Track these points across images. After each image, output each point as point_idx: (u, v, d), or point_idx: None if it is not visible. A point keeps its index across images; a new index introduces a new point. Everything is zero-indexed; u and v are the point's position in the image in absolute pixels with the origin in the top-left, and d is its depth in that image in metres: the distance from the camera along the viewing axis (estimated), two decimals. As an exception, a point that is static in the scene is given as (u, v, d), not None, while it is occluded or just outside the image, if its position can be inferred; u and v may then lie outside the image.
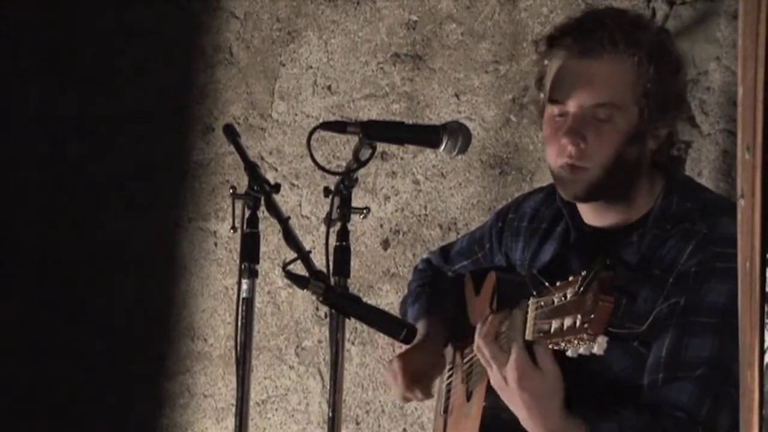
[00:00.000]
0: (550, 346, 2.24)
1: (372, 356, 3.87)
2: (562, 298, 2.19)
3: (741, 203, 1.69)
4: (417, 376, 2.88)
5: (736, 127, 1.70)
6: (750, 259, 1.66)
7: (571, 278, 2.19)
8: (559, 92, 2.55)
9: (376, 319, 2.50)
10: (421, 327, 2.93)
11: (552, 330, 2.20)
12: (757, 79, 1.64)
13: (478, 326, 2.47)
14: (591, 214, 2.64)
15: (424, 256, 3.25)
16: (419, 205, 3.82)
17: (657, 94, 2.52)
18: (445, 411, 2.94)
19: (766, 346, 1.66)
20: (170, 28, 4.34)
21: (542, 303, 2.26)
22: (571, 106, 2.53)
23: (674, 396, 2.39)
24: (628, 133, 2.51)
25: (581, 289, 2.13)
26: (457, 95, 3.77)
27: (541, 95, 2.63)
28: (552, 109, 2.57)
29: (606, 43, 2.51)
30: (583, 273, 2.15)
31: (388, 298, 3.83)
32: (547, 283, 2.27)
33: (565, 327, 2.16)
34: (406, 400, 2.93)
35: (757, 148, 1.65)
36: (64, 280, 4.44)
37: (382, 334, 2.98)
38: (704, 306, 2.41)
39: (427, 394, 2.90)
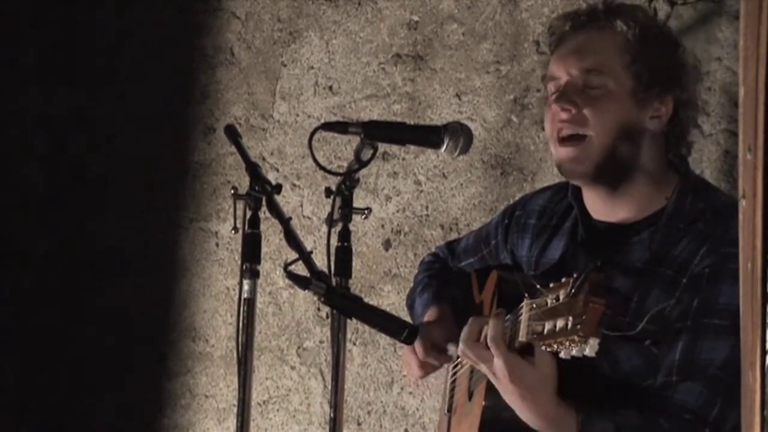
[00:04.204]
0: (544, 348, 2.25)
1: (374, 356, 3.87)
2: (555, 300, 2.20)
3: (742, 203, 1.69)
4: (435, 344, 2.85)
5: (738, 128, 1.70)
6: (752, 259, 1.66)
7: (563, 280, 2.20)
8: (554, 68, 2.59)
9: (378, 319, 2.50)
10: (432, 312, 2.93)
11: (545, 331, 2.21)
12: (758, 79, 1.64)
13: (463, 331, 2.49)
14: (598, 207, 2.64)
15: (431, 250, 3.25)
16: (421, 206, 3.82)
17: (649, 64, 2.54)
18: (449, 410, 2.94)
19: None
20: (171, 28, 4.34)
21: (535, 305, 2.27)
22: (563, 76, 2.56)
23: (682, 398, 2.39)
24: (624, 103, 2.53)
25: (572, 291, 2.14)
26: (458, 95, 3.77)
27: (546, 89, 2.65)
28: (550, 87, 2.60)
29: (596, 17, 2.57)
30: (575, 275, 2.16)
31: (390, 299, 3.83)
32: (539, 286, 2.28)
33: (557, 329, 2.17)
34: (424, 367, 2.87)
35: (758, 149, 1.65)
36: (65, 281, 4.45)
37: (383, 335, 2.98)
38: (717, 308, 2.41)
39: (446, 359, 2.86)
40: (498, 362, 2.38)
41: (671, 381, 2.42)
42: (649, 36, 2.57)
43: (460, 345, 2.48)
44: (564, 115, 2.54)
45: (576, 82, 2.54)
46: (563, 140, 2.55)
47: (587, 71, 2.53)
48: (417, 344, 2.83)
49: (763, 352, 1.65)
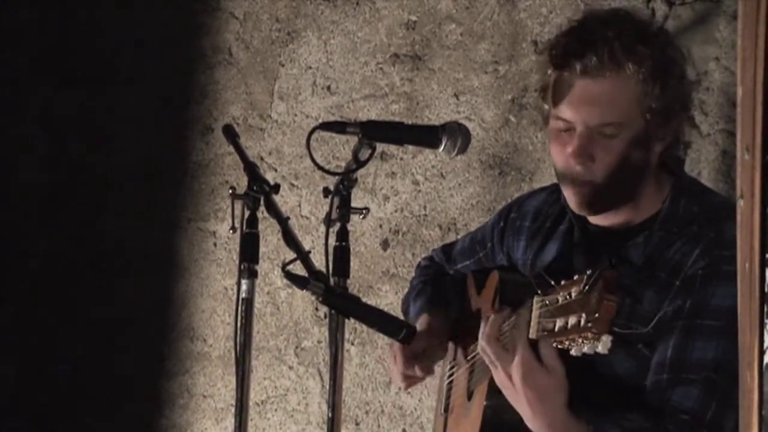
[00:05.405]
0: (555, 345, 2.24)
1: (372, 356, 3.87)
2: (567, 297, 2.20)
3: (740, 204, 1.69)
4: (417, 355, 2.85)
5: (736, 128, 1.70)
6: (749, 259, 1.66)
7: (576, 277, 2.20)
8: (565, 111, 2.52)
9: (376, 319, 2.50)
10: (423, 320, 2.92)
11: (556, 328, 2.21)
12: (756, 79, 1.64)
13: (481, 327, 2.47)
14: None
15: (427, 254, 3.25)
16: (419, 206, 3.82)
17: (663, 105, 2.49)
18: (446, 410, 2.94)
19: (765, 346, 1.67)
20: (170, 28, 4.34)
21: (547, 302, 2.26)
22: (578, 124, 2.50)
23: (679, 400, 2.39)
24: (633, 141, 2.49)
25: (586, 288, 2.14)
26: (456, 95, 3.77)
27: (546, 107, 2.59)
28: (557, 123, 2.54)
29: (607, 61, 2.46)
30: (588, 272, 2.15)
31: (388, 299, 3.83)
32: (552, 282, 2.27)
33: (569, 326, 2.17)
34: (405, 378, 2.88)
35: (756, 149, 1.65)
36: (64, 281, 4.44)
37: (381, 335, 2.99)
38: (710, 308, 2.41)
39: (427, 371, 2.87)
40: (516, 360, 2.34)
41: (662, 379, 2.42)
42: (665, 73, 2.50)
43: (480, 341, 2.44)
44: (581, 169, 2.51)
45: (591, 132, 2.49)
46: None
47: (605, 125, 2.49)
48: (398, 355, 2.84)
49: (761, 352, 1.65)
